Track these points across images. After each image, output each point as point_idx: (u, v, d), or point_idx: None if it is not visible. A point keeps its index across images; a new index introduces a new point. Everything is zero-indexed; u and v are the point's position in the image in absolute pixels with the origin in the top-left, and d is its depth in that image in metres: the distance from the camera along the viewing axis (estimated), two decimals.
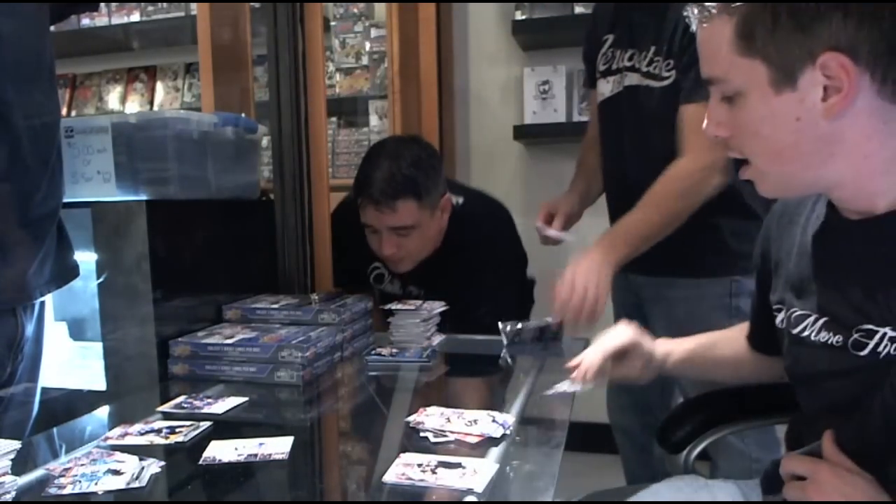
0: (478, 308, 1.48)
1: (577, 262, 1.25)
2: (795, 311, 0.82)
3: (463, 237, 1.58)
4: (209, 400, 1.01)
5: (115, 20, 2.81)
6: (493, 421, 0.89)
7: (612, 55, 1.48)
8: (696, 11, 0.74)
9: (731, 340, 1.08)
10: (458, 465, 0.75)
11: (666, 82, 1.36)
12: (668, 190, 1.30)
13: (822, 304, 0.78)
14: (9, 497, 0.71)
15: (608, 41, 1.49)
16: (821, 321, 0.78)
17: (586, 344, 1.12)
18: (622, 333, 1.06)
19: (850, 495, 0.70)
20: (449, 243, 1.59)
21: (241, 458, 0.80)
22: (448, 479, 0.72)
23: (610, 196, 1.58)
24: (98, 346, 1.17)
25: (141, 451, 0.81)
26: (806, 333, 0.80)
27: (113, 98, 3.10)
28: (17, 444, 0.82)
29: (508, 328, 1.34)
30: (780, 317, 0.87)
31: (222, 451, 0.82)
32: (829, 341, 0.76)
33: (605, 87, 1.50)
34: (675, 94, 1.34)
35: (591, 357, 1.04)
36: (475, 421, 0.89)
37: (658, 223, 1.29)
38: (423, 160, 1.49)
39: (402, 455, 0.78)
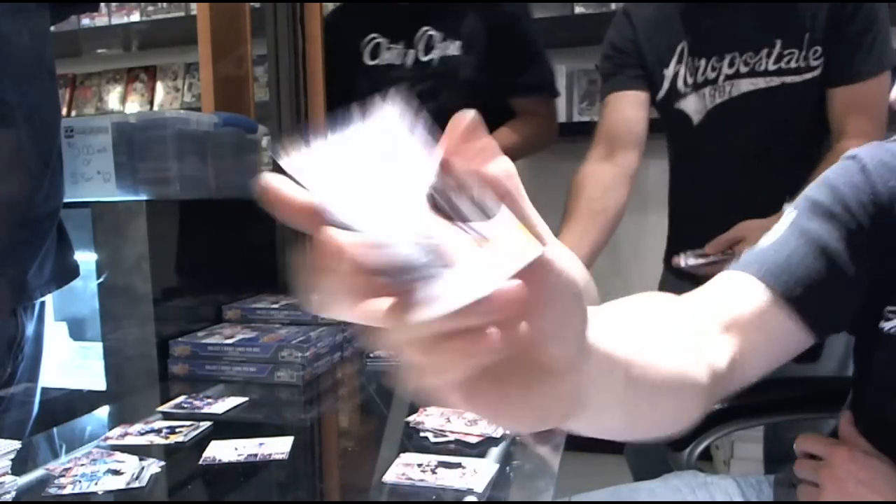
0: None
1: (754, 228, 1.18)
2: None
3: None
4: (209, 400, 1.01)
5: (115, 20, 2.81)
6: None
7: (696, 65, 1.31)
8: None
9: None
10: (458, 465, 0.75)
11: (815, 73, 1.23)
12: None
13: None
14: (9, 497, 0.71)
15: (682, 49, 1.32)
16: None
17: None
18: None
19: (865, 480, 0.67)
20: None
21: (241, 458, 0.80)
22: (448, 479, 0.72)
23: (698, 224, 1.35)
24: (98, 346, 1.17)
25: (141, 451, 0.81)
26: None
27: (113, 98, 3.10)
28: (17, 444, 0.82)
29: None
30: None
31: (222, 451, 0.82)
32: None
33: (697, 104, 1.31)
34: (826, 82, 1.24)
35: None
36: (475, 421, 0.89)
37: None
38: None
39: (402, 455, 0.78)
